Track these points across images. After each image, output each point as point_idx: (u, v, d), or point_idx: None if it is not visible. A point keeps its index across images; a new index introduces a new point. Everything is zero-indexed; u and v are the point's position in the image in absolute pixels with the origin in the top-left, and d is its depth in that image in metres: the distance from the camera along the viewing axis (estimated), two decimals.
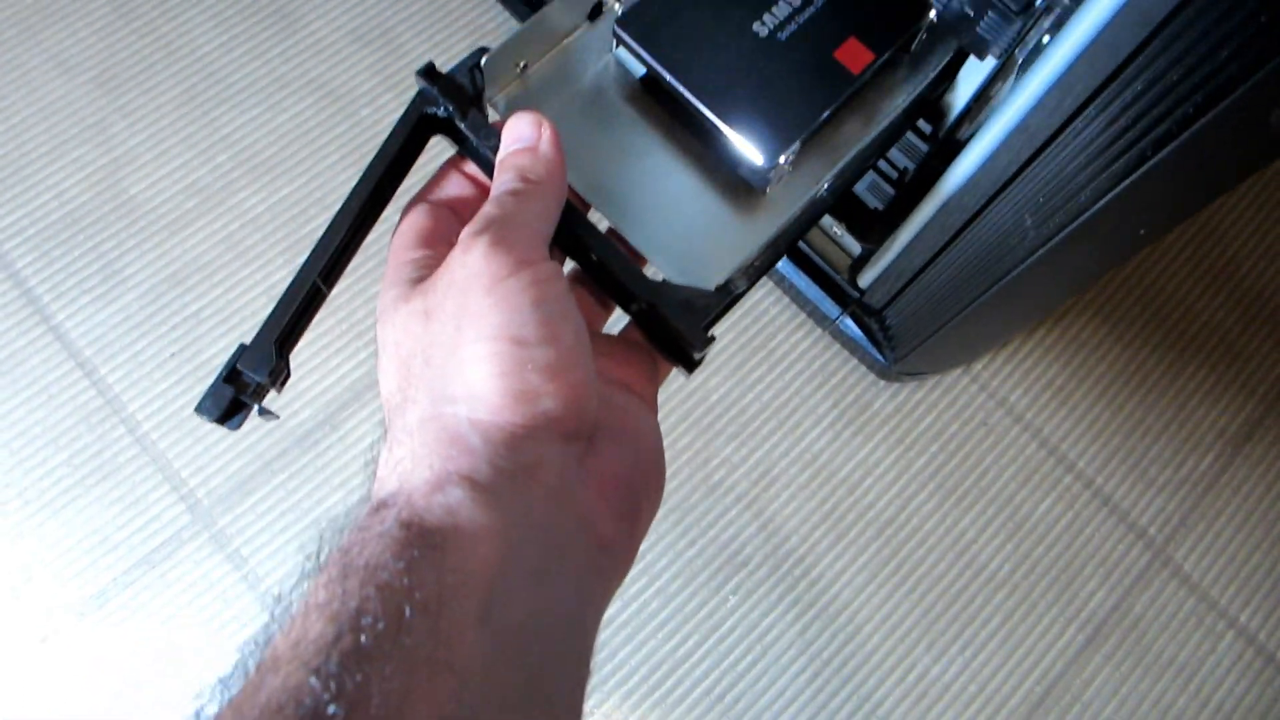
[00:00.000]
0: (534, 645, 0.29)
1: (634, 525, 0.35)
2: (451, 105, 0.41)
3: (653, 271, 0.43)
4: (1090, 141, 0.48)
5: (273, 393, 0.38)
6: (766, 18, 0.49)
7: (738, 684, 0.82)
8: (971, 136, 0.58)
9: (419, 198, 0.41)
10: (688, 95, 0.47)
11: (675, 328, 0.40)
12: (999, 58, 0.54)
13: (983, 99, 0.59)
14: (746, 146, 0.46)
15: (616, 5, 0.51)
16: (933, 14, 0.51)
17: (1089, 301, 0.97)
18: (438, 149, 0.42)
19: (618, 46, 0.49)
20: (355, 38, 0.99)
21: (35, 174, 0.92)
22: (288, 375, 0.38)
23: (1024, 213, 0.56)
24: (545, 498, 0.32)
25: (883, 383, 0.92)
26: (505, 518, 0.30)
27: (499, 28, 1.00)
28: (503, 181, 0.37)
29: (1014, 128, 0.53)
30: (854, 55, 0.49)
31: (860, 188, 0.72)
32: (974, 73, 0.57)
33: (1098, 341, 0.96)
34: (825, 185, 0.48)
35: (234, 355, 0.37)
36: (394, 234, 0.39)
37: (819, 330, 0.92)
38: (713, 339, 0.40)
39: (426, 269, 0.36)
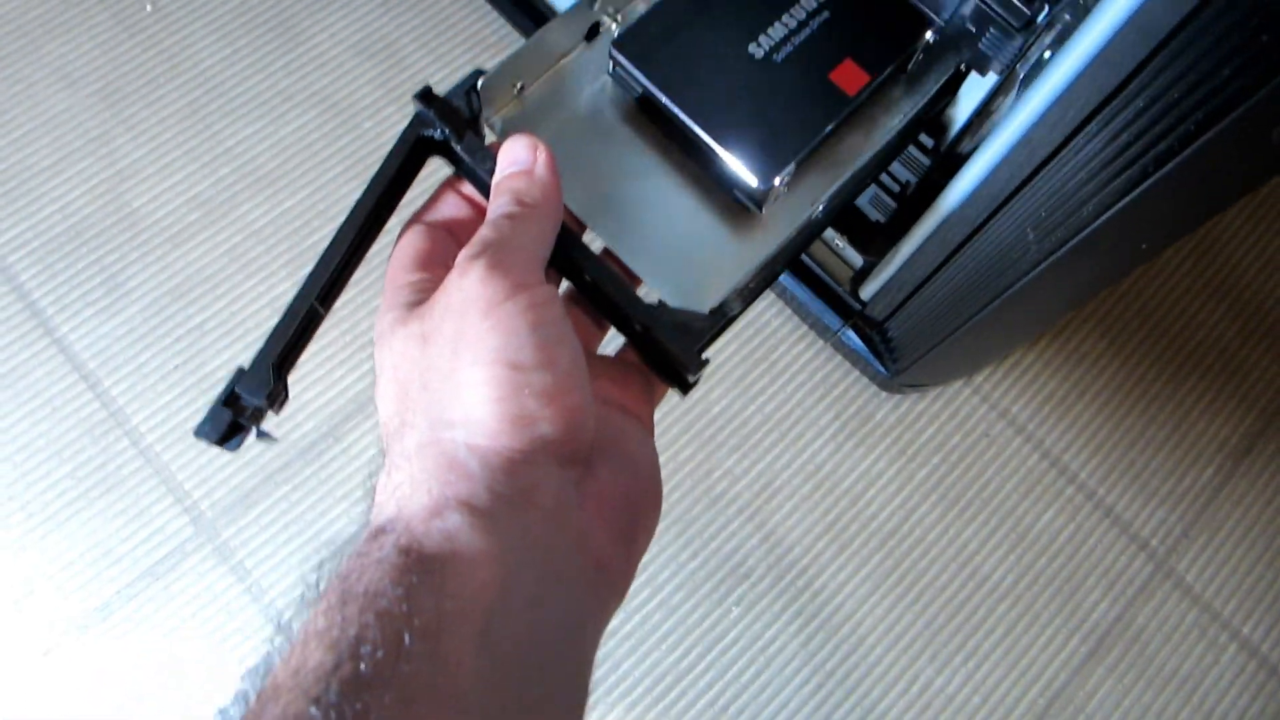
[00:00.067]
0: (532, 670, 0.29)
1: (631, 547, 0.36)
2: (448, 128, 0.41)
3: (648, 292, 0.43)
4: (1092, 157, 0.48)
5: (271, 414, 0.38)
6: (762, 39, 0.50)
7: (741, 695, 0.82)
8: (973, 151, 0.58)
9: (416, 219, 0.41)
10: (683, 117, 0.47)
11: (669, 351, 0.40)
12: (1000, 74, 0.54)
13: (984, 114, 0.59)
14: (741, 169, 0.46)
15: (613, 26, 0.51)
16: (929, 35, 0.51)
17: (1089, 313, 0.97)
18: (436, 163, 0.43)
19: (614, 68, 0.49)
20: (358, 51, 1.00)
21: (39, 187, 0.92)
22: (286, 397, 0.39)
23: (1026, 227, 0.56)
24: (543, 522, 0.32)
25: (884, 394, 0.92)
26: (503, 543, 0.30)
27: (500, 40, 1.01)
28: (499, 205, 0.37)
29: (1016, 142, 0.53)
30: (850, 77, 0.49)
31: (862, 200, 0.73)
32: (976, 88, 0.57)
33: (1098, 353, 0.96)
34: (820, 207, 0.48)
35: (232, 379, 0.37)
36: (391, 256, 0.39)
37: (821, 342, 0.93)
38: (706, 362, 0.40)
39: (424, 292, 0.36)
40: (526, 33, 0.96)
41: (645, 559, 0.38)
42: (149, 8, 0.99)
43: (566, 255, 0.40)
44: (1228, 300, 0.98)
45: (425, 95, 0.42)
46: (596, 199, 0.46)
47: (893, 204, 0.71)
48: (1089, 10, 0.45)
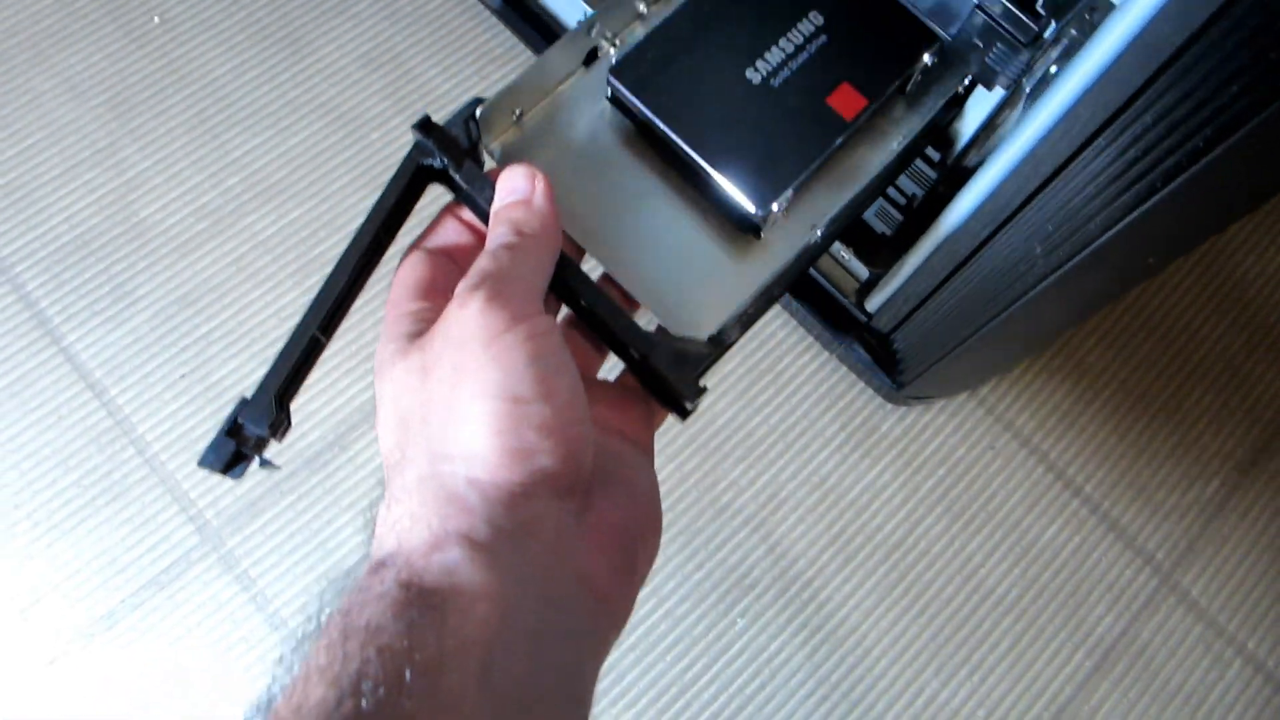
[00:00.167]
0: (533, 704, 0.29)
1: (631, 576, 0.36)
2: (447, 157, 0.42)
3: (647, 318, 0.43)
4: (1100, 172, 0.48)
5: (274, 442, 0.39)
6: (760, 64, 0.50)
7: (746, 707, 0.82)
8: (980, 164, 0.58)
9: (416, 245, 0.41)
10: (680, 143, 0.47)
11: (667, 379, 0.40)
12: (1006, 88, 0.54)
13: (990, 128, 0.60)
14: (739, 195, 0.46)
15: (611, 51, 0.51)
16: (927, 58, 0.52)
17: (1094, 326, 0.97)
18: (438, 187, 0.43)
19: (612, 94, 0.49)
20: (365, 62, 1.00)
21: (46, 197, 0.92)
22: (288, 426, 0.39)
23: (1033, 241, 0.56)
24: (543, 554, 0.32)
25: (890, 406, 0.92)
26: (503, 577, 0.30)
27: (507, 52, 1.01)
28: (497, 235, 0.37)
29: (1022, 157, 0.53)
30: (847, 101, 0.50)
31: (868, 213, 0.73)
32: (982, 102, 0.58)
33: (1103, 366, 0.96)
34: (820, 232, 0.48)
35: (235, 409, 0.38)
36: (392, 284, 0.39)
37: (826, 353, 0.93)
38: (705, 390, 0.40)
39: (424, 322, 0.36)
40: (532, 45, 0.96)
41: (650, 569, 0.38)
42: (157, 20, 1.00)
43: (564, 282, 0.40)
44: (1233, 313, 0.98)
45: (424, 125, 0.42)
46: (595, 224, 0.46)
47: (899, 217, 0.71)
48: (1096, 27, 0.45)
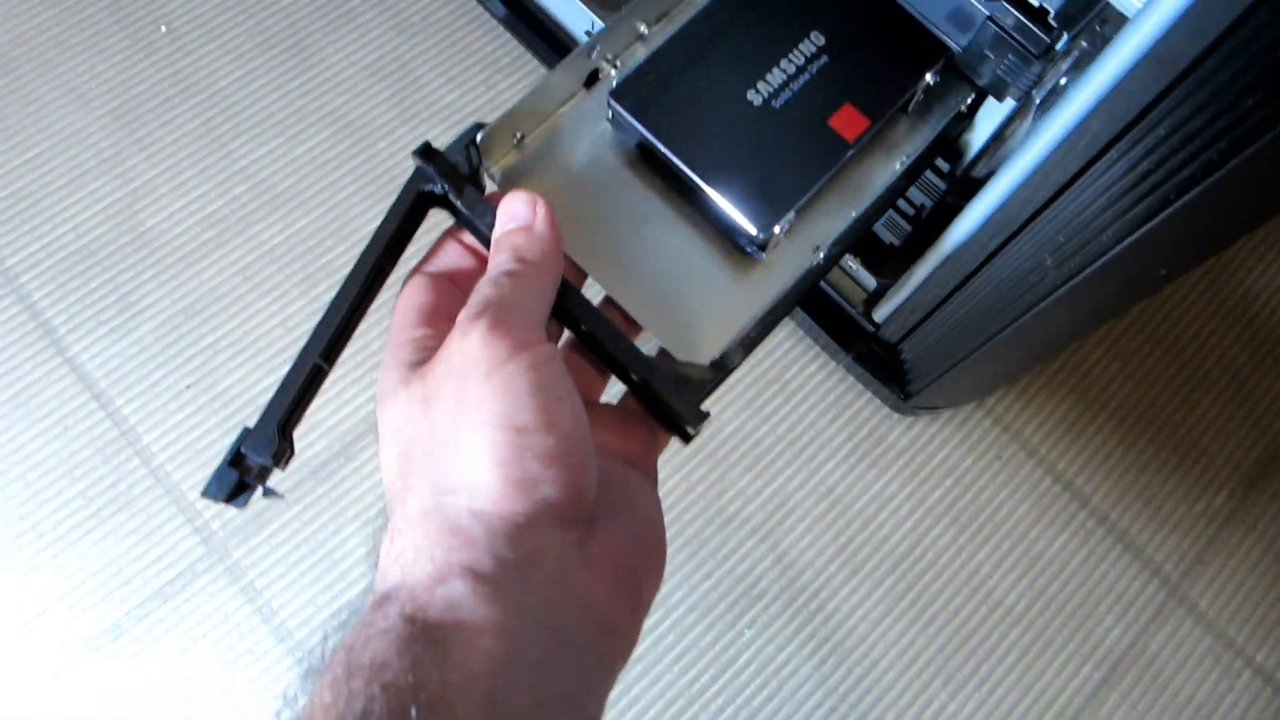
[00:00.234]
0: None
1: (636, 605, 0.35)
2: (447, 184, 0.42)
3: (650, 341, 0.43)
4: (1112, 184, 0.48)
5: (277, 471, 0.39)
6: (761, 86, 0.50)
7: (753, 719, 0.82)
8: (989, 175, 0.58)
9: (418, 270, 0.41)
10: (681, 166, 0.47)
11: (669, 404, 0.40)
12: (1017, 99, 0.54)
13: (1000, 139, 0.60)
14: (741, 217, 0.46)
15: (612, 72, 0.51)
16: (929, 77, 0.51)
17: (1101, 337, 0.97)
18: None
19: (613, 117, 0.49)
20: (371, 72, 1.00)
21: (52, 206, 0.92)
22: (291, 454, 0.39)
23: (1044, 252, 0.56)
24: (547, 585, 0.32)
25: (897, 416, 0.92)
26: (507, 609, 0.30)
27: (513, 61, 1.01)
28: (499, 262, 0.37)
29: (1033, 168, 0.53)
30: (849, 122, 0.50)
31: (876, 224, 0.73)
32: (992, 113, 0.58)
33: (1110, 376, 0.96)
34: (823, 254, 0.48)
35: (238, 439, 0.38)
36: (394, 310, 0.39)
37: (833, 363, 0.92)
38: (707, 415, 0.40)
39: (426, 350, 0.36)
40: (538, 53, 0.96)
41: (655, 595, 0.38)
42: (163, 29, 1.00)
43: (565, 307, 0.40)
44: (1240, 324, 0.98)
45: (425, 151, 0.42)
46: (596, 247, 0.46)
47: (907, 227, 0.71)
48: (1108, 39, 0.45)
